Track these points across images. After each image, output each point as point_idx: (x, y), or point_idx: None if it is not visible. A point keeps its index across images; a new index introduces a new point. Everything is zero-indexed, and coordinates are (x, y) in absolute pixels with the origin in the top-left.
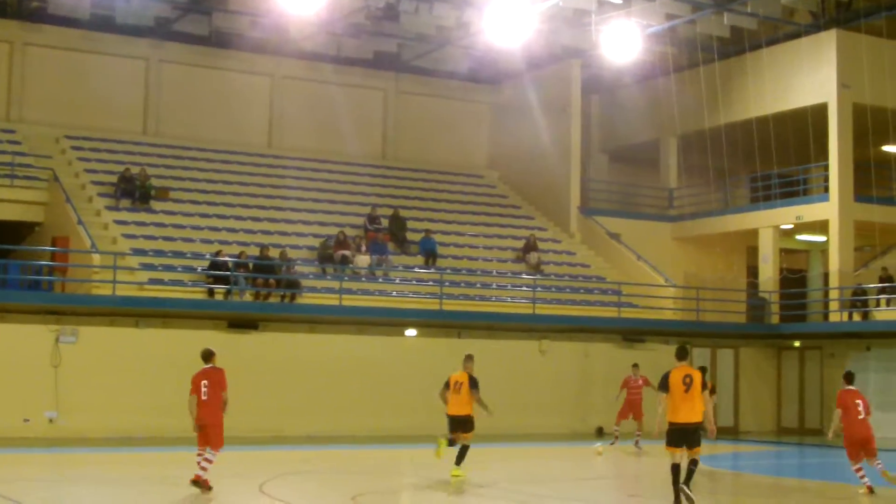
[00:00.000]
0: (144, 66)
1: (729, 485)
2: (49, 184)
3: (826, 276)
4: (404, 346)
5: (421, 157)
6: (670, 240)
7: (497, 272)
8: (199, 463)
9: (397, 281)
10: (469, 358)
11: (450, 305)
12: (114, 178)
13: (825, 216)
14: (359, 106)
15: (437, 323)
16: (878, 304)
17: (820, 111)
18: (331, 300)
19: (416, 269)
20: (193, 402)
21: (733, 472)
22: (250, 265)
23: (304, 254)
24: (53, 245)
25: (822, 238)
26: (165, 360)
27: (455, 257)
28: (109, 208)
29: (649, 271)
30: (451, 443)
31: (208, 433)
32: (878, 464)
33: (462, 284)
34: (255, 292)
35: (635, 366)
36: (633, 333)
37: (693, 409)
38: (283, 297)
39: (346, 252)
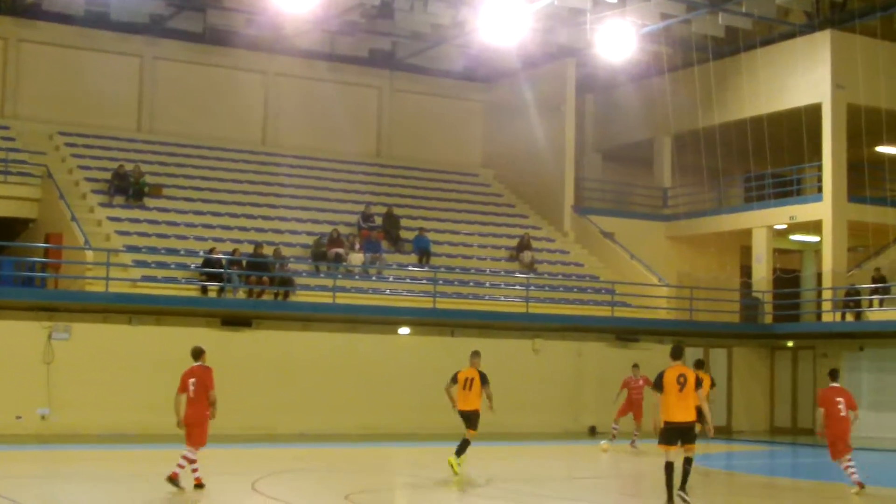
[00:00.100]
0: (139, 62)
1: (722, 484)
2: (43, 180)
3: (819, 276)
4: (398, 344)
5: (415, 155)
6: (664, 239)
7: (491, 271)
8: (180, 462)
9: (391, 279)
10: (476, 354)
11: (443, 304)
12: (108, 175)
13: (819, 216)
14: (353, 104)
15: (430, 321)
16: (871, 305)
17: (814, 111)
18: (324, 298)
19: (410, 268)
20: (181, 400)
21: (727, 472)
22: (244, 262)
23: (298, 251)
24: (47, 242)
25: (815, 238)
26: (158, 357)
27: (449, 256)
28: (103, 205)
29: (643, 271)
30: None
31: (191, 431)
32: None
33: (455, 283)
34: (248, 290)
35: (635, 366)
36: (627, 333)
37: (687, 409)
38: (276, 294)
39: (340, 250)
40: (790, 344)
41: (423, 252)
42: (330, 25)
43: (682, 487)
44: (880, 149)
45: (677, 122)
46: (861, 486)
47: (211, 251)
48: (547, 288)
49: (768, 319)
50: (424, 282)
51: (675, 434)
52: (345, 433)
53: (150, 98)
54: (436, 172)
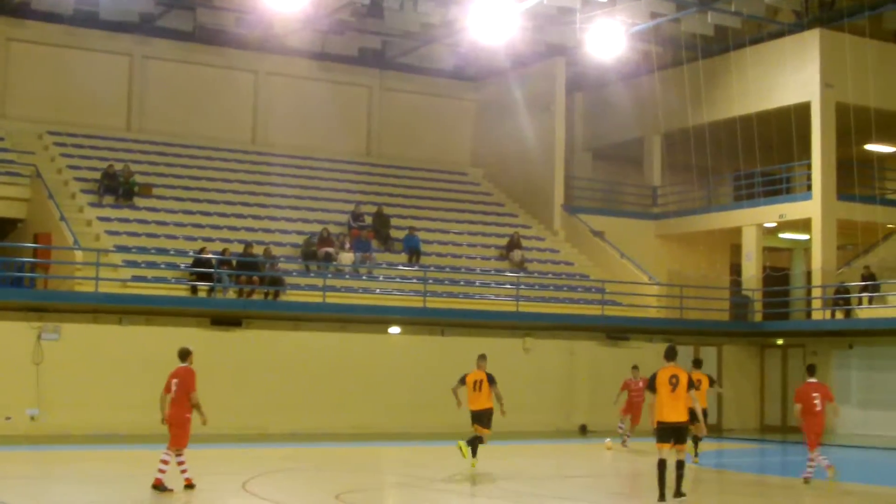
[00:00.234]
0: (128, 61)
1: (713, 482)
2: (32, 180)
3: (809, 274)
4: (388, 343)
5: (405, 154)
6: (654, 238)
7: (481, 270)
8: (177, 466)
9: (381, 278)
10: (483, 357)
11: (433, 303)
12: (97, 175)
13: (808, 214)
14: (343, 103)
15: (420, 320)
16: (860, 303)
17: (803, 110)
18: (314, 297)
19: (400, 267)
20: (166, 399)
21: (717, 470)
22: (234, 262)
23: (288, 251)
24: (36, 242)
25: (805, 236)
26: (148, 357)
27: (439, 255)
28: (92, 205)
29: (633, 269)
30: (475, 442)
31: (171, 432)
32: (817, 458)
33: (446, 282)
34: (238, 289)
35: (635, 368)
36: (617, 331)
37: (679, 409)
38: (266, 294)
39: (330, 249)
40: (780, 342)
41: (413, 251)
42: (320, 24)
43: (678, 492)
44: (869, 147)
45: (667, 121)
46: (807, 481)
47: (201, 251)
48: (537, 287)
49: (758, 318)
50: (414, 281)
51: (668, 433)
52: (336, 432)
53: (139, 97)
54: (426, 171)
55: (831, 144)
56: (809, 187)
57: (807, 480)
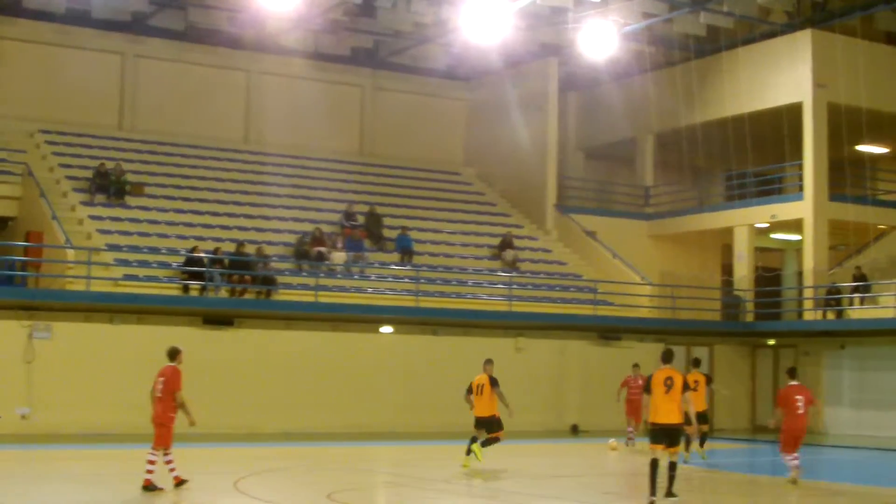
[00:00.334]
0: (120, 60)
1: (705, 482)
2: (23, 178)
3: (800, 274)
4: (380, 343)
5: (398, 153)
6: (646, 237)
7: (473, 269)
8: (166, 465)
9: (373, 278)
10: (489, 361)
11: (426, 302)
12: (89, 174)
13: (800, 215)
14: (335, 102)
15: (413, 320)
16: (852, 303)
17: (795, 110)
18: (307, 297)
19: (393, 266)
20: (154, 397)
21: (709, 470)
22: (226, 261)
23: (280, 250)
24: (27, 240)
25: (796, 237)
26: (140, 356)
27: (431, 254)
28: (84, 203)
29: (625, 269)
30: (474, 440)
31: (156, 431)
32: (790, 462)
33: (438, 281)
34: (230, 288)
35: (636, 366)
36: (609, 331)
37: (673, 411)
38: (258, 293)
39: (323, 249)
40: (772, 342)
41: (406, 251)
42: (312, 24)
43: (669, 492)
44: (861, 148)
45: (659, 121)
46: (794, 481)
47: (193, 250)
48: (529, 286)
49: (750, 318)
50: (407, 280)
51: (661, 434)
52: (327, 432)
53: (131, 96)
54: (418, 171)
55: (823, 145)
56: (801, 188)
57: (794, 481)
